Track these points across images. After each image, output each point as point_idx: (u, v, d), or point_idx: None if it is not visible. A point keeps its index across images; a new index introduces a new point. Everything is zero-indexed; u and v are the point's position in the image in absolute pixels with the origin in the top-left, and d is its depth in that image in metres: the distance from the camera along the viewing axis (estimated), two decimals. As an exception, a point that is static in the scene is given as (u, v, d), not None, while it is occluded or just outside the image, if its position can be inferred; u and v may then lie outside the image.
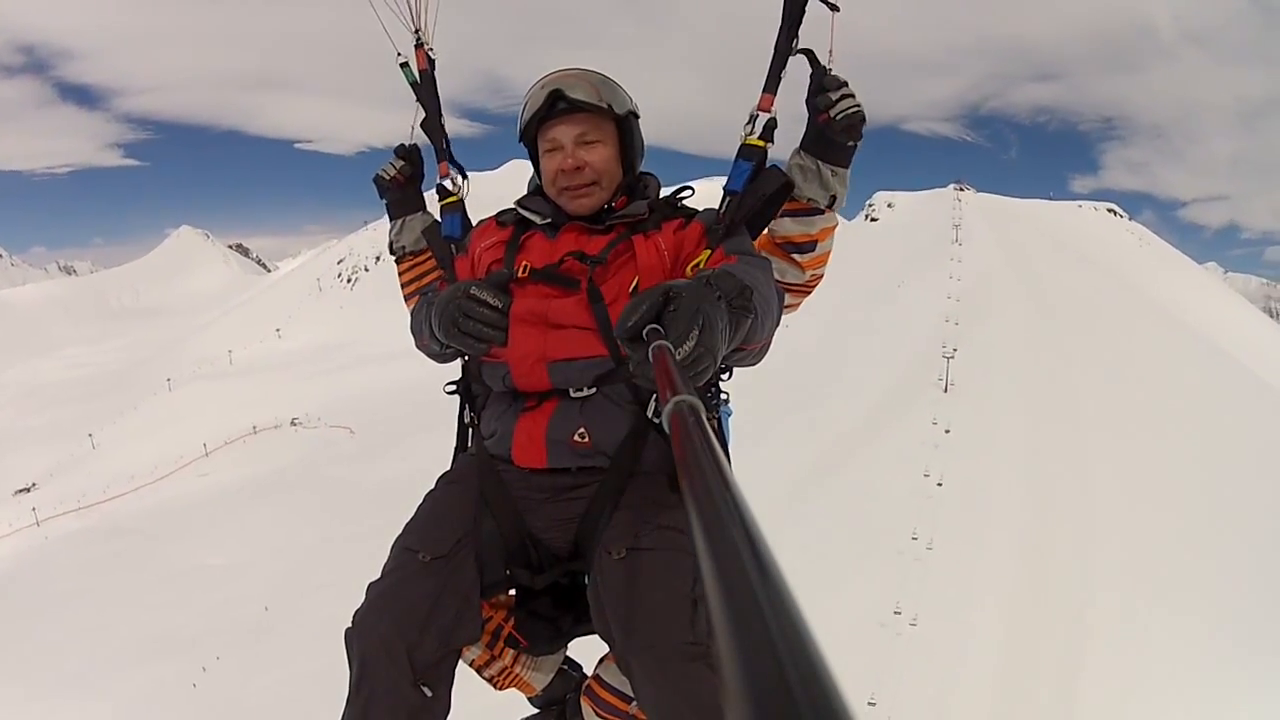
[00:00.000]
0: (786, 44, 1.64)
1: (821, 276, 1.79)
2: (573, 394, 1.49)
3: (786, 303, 1.67)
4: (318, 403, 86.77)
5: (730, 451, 1.60)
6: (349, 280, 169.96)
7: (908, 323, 54.19)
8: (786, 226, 1.70)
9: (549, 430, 1.48)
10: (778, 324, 1.44)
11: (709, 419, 1.31)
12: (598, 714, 1.60)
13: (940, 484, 34.44)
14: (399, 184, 1.97)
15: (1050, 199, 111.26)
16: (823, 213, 1.68)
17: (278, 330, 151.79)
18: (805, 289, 1.79)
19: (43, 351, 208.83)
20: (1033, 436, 38.11)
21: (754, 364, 1.48)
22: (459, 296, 1.46)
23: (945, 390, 42.60)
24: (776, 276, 1.64)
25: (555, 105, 1.55)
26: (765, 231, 1.73)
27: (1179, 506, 31.82)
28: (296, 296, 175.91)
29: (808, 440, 40.42)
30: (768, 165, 1.66)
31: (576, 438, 1.48)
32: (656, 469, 1.50)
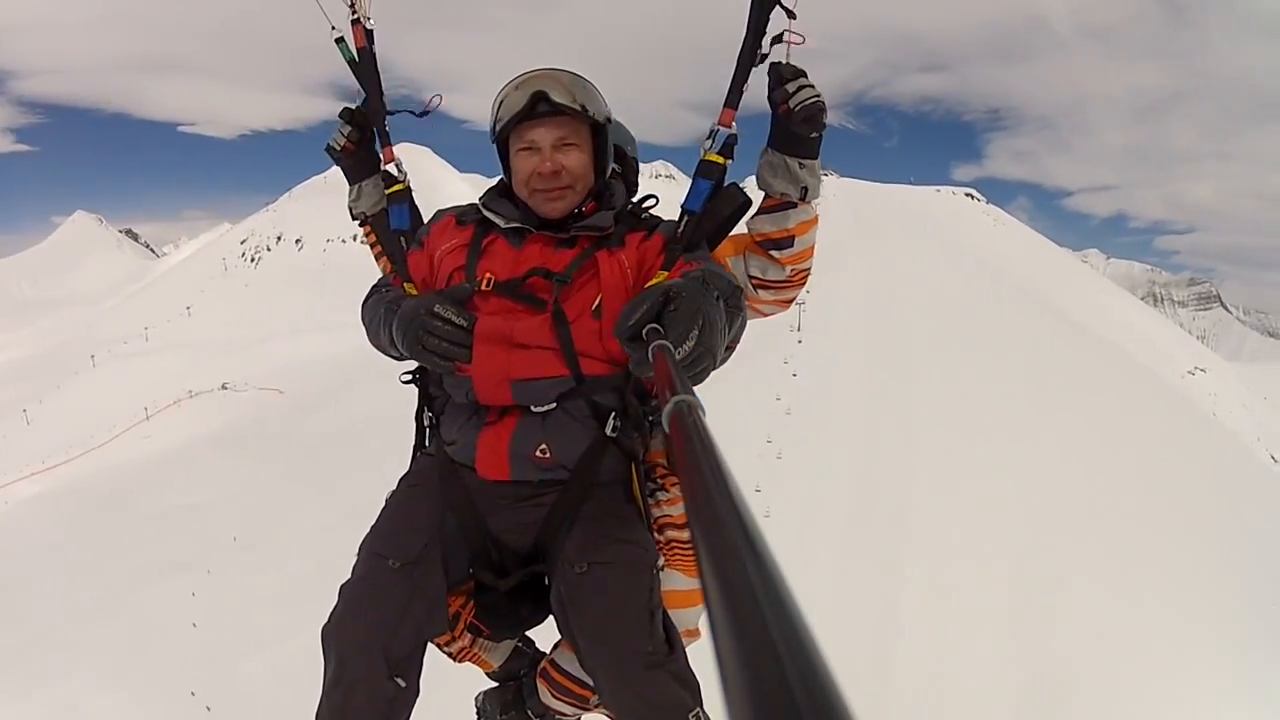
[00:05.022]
0: (750, 55, 1.59)
1: (805, 273, 1.76)
2: (534, 409, 1.52)
3: (771, 299, 1.76)
4: (242, 371, 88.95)
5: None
6: (253, 260, 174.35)
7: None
8: (762, 224, 1.69)
9: (512, 444, 1.52)
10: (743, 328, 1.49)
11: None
12: (552, 695, 1.74)
13: (788, 412, 41.75)
14: (350, 151, 1.91)
15: (911, 184, 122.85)
16: (795, 206, 1.66)
17: (188, 308, 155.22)
18: (788, 285, 1.75)
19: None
20: (868, 371, 46.46)
21: (718, 367, 1.55)
22: (422, 314, 1.45)
23: (799, 341, 50.84)
24: (758, 274, 1.72)
25: (536, 107, 1.52)
26: (746, 231, 1.74)
27: (985, 428, 39.80)
28: (201, 277, 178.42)
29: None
30: (726, 183, 1.65)
31: (538, 453, 1.51)
32: (613, 480, 1.57)
